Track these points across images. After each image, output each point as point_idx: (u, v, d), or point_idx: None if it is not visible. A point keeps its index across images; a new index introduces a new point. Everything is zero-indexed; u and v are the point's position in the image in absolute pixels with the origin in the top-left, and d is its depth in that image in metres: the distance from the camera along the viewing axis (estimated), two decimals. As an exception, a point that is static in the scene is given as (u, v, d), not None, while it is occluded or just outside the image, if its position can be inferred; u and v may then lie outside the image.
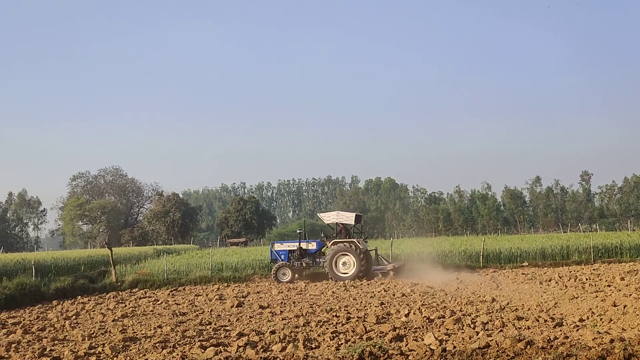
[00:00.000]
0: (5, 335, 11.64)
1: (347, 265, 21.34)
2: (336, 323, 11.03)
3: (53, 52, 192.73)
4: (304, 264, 21.99)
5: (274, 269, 21.39)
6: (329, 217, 22.84)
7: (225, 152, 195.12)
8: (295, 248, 22.18)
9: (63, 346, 10.11)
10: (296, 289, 18.52)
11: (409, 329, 9.94)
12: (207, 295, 17.72)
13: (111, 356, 8.98)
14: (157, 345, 9.64)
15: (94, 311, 15.18)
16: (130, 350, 9.43)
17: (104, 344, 9.88)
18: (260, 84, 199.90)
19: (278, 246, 22.69)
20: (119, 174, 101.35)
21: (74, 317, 14.15)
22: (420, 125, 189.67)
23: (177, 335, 10.57)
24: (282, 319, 11.91)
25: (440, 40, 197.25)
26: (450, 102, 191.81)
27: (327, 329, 10.39)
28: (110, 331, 11.54)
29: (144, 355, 8.97)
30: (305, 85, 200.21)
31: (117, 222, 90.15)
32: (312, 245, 22.43)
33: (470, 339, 8.80)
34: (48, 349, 9.78)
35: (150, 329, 11.50)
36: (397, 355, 7.78)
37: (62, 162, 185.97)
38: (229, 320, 12.32)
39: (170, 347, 9.51)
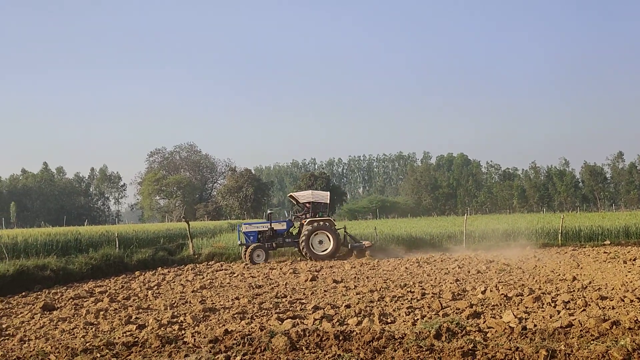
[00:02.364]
0: (93, 303, 12.24)
1: (323, 243, 21.32)
2: (411, 299, 10.96)
3: (144, 43, 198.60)
4: (274, 245, 21.75)
5: (249, 250, 20.51)
6: (304, 197, 22.75)
7: (296, 127, 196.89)
8: (266, 229, 21.76)
9: (147, 315, 10.53)
10: (368, 264, 18.53)
11: (486, 306, 9.75)
12: (280, 269, 18.02)
13: (192, 325, 9.28)
14: (235, 316, 9.89)
15: (173, 282, 15.72)
16: (210, 320, 9.71)
17: (185, 314, 10.22)
18: (330, 59, 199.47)
19: (247, 227, 21.89)
20: (193, 150, 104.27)
21: (155, 287, 14.70)
22: (494, 99, 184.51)
23: (254, 307, 10.80)
24: (357, 294, 11.95)
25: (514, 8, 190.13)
26: (524, 76, 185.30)
27: (402, 304, 10.35)
28: (190, 301, 11.91)
29: (223, 325, 9.21)
30: (374, 59, 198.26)
31: (192, 197, 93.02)
32: (282, 226, 22.21)
33: (550, 317, 8.55)
34: (133, 317, 10.20)
35: (228, 301, 11.80)
36: (474, 332, 7.65)
37: (140, 139, 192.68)
38: (304, 294, 12.47)
39: (248, 318, 9.73)
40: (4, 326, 9.84)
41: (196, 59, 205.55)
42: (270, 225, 21.79)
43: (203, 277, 16.54)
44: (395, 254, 21.45)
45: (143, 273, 18.28)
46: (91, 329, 9.38)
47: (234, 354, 7.15)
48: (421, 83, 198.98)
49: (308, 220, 21.57)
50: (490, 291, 11.21)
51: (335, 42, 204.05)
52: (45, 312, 11.42)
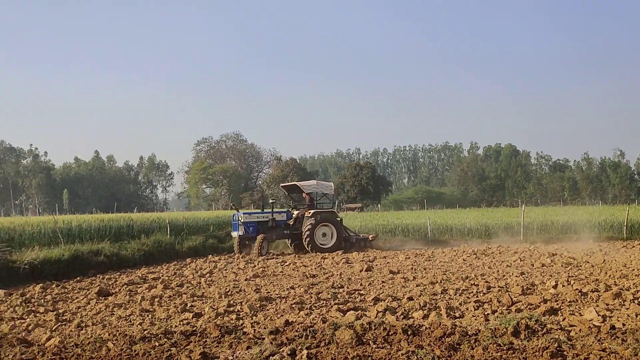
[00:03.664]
0: (147, 290, 12.09)
1: (327, 236, 20.52)
2: (476, 292, 10.39)
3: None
4: (273, 236, 20.59)
5: (259, 241, 19.15)
6: (309, 187, 21.77)
7: (340, 117, 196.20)
8: (267, 219, 20.58)
9: (202, 303, 10.27)
10: (423, 255, 17.97)
11: (562, 302, 9.10)
12: (332, 258, 17.64)
13: (250, 315, 8.95)
14: (293, 306, 9.52)
15: (225, 270, 15.52)
16: (268, 309, 9.37)
17: (241, 303, 9.92)
18: (378, 42, 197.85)
19: (247, 217, 20.50)
20: (239, 139, 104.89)
21: (207, 275, 14.51)
22: (545, 88, 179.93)
23: (311, 297, 10.42)
24: (417, 286, 11.44)
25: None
26: (576, 64, 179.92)
27: (468, 298, 9.80)
28: (244, 290, 11.62)
29: (282, 315, 8.86)
30: (421, 48, 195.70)
31: (237, 186, 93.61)
32: (282, 217, 21.10)
33: (637, 316, 7.87)
34: (189, 305, 9.96)
35: (283, 290, 11.46)
36: (556, 330, 7.07)
37: (187, 128, 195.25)
38: (361, 284, 12.03)
39: (306, 308, 9.35)
40: (60, 311, 9.73)
41: (245, 46, 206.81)
42: (272, 215, 20.76)
43: (255, 266, 16.30)
44: (451, 245, 20.78)
45: (194, 260, 18.20)
46: (147, 316, 9.16)
47: (298, 347, 6.76)
48: (469, 72, 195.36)
49: (313, 211, 20.59)
50: (563, 286, 10.54)
51: (378, 29, 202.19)
52: (101, 297, 11.32)
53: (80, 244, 16.66)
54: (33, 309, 10.05)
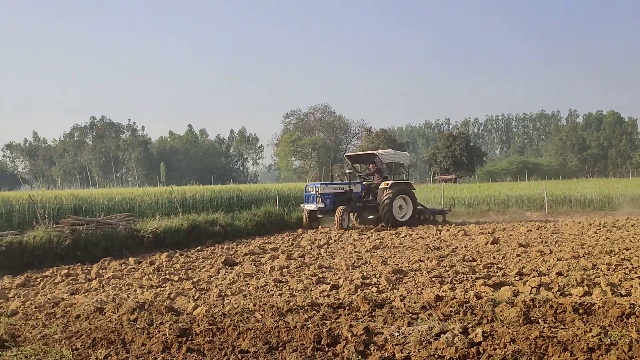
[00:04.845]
0: (270, 260, 11.97)
1: (403, 209, 19.34)
2: (632, 268, 9.47)
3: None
4: (349, 209, 19.07)
5: (339, 213, 18.00)
6: (387, 156, 20.35)
7: (428, 85, 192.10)
8: (344, 191, 19.38)
9: (333, 274, 9.98)
10: (545, 227, 16.94)
11: None
12: (447, 230, 16.98)
13: (390, 288, 8.54)
14: (433, 279, 9.01)
15: (340, 241, 15.24)
16: (406, 283, 8.92)
17: (375, 275, 9.54)
18: (466, 6, 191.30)
19: (323, 188, 19.17)
20: (327, 111, 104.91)
21: (325, 245, 14.26)
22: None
23: (446, 270, 9.87)
24: (558, 260, 10.61)
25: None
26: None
27: (626, 274, 8.92)
28: (370, 262, 11.25)
29: (422, 289, 8.40)
30: (514, 11, 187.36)
31: (326, 158, 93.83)
32: (357, 188, 19.81)
33: None
34: (320, 276, 9.68)
35: (412, 262, 10.98)
36: None
37: (276, 100, 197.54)
38: (494, 258, 11.35)
39: (447, 282, 8.82)
40: (194, 280, 9.71)
41: (333, 23, 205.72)
42: (350, 186, 19.59)
43: (368, 237, 15.92)
44: (571, 217, 19.55)
45: (305, 231, 18.02)
46: (282, 286, 8.94)
47: (457, 323, 6.26)
48: (563, 36, 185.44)
49: (391, 182, 19.41)
50: None
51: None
52: (227, 266, 11.29)
53: (196, 214, 16.90)
54: (167, 277, 10.10)
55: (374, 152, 21.33)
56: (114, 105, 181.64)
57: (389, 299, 7.69)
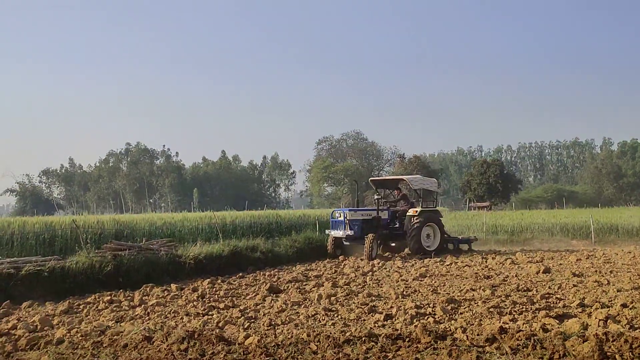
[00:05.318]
0: (316, 287, 11.65)
1: (430, 237, 18.53)
2: None
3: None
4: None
5: (370, 241, 16.95)
6: (416, 182, 19.43)
7: (461, 113, 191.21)
8: (372, 217, 18.33)
9: (384, 303, 9.60)
10: (596, 256, 16.29)
11: None
12: (493, 258, 16.45)
13: (447, 318, 8.15)
14: (491, 310, 8.58)
15: (385, 268, 14.86)
16: (462, 313, 8.50)
17: (429, 305, 9.14)
18: (502, 40, 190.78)
19: (351, 214, 18.05)
20: (359, 137, 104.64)
21: (369, 273, 13.90)
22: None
23: (502, 301, 9.41)
24: (618, 291, 10.05)
25: None
26: None
27: (699, 307, 8.37)
28: (419, 291, 10.85)
29: (480, 319, 7.98)
30: (547, 41, 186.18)
31: (353, 183, 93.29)
32: (384, 215, 18.74)
33: None
34: (371, 305, 9.31)
35: (462, 292, 10.54)
36: None
37: (309, 127, 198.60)
38: (549, 287, 10.84)
39: (507, 313, 8.38)
40: (241, 307, 9.44)
41: (362, 51, 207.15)
42: (377, 213, 18.50)
43: (413, 265, 15.51)
44: (619, 245, 18.82)
45: (347, 258, 17.62)
46: (334, 315, 8.62)
47: (529, 358, 5.86)
48: (600, 65, 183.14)
49: (420, 209, 18.49)
50: None
51: (500, 31, 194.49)
52: (272, 294, 11.00)
53: (237, 240, 16.70)
54: (213, 304, 9.85)
55: (403, 177, 20.70)
56: (149, 131, 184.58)
57: (449, 330, 7.30)
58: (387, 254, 19.21)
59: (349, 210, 18.40)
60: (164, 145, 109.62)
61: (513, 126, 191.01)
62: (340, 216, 18.18)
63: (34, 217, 18.50)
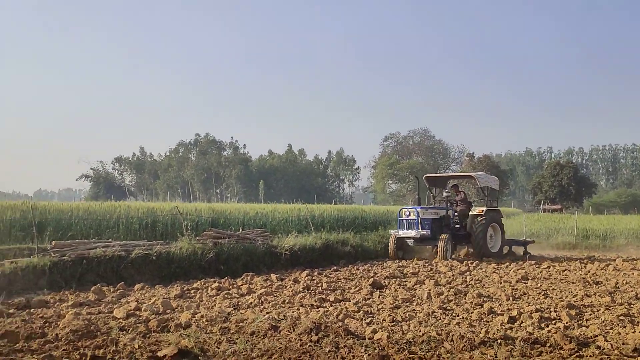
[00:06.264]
0: (417, 285, 11.45)
1: (493, 238, 17.47)
2: None
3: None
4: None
5: (444, 241, 16.13)
6: (483, 180, 18.28)
7: (530, 113, 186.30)
8: (441, 216, 17.28)
9: (499, 304, 9.32)
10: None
11: None
12: (592, 263, 15.82)
13: (576, 324, 7.81)
14: (621, 318, 8.17)
15: (480, 268, 14.53)
16: (588, 320, 8.13)
17: (550, 309, 8.80)
18: (570, 39, 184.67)
19: (423, 212, 16.82)
20: (427, 135, 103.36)
21: (467, 272, 13.65)
22: None
23: (626, 309, 8.94)
24: None
25: None
26: None
27: None
28: (528, 293, 10.52)
29: (610, 327, 7.61)
30: (621, 39, 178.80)
31: (424, 183, 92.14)
32: (450, 214, 17.65)
33: None
34: (485, 306, 9.02)
35: (577, 297, 10.10)
36: None
37: (375, 122, 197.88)
38: (671, 297, 10.28)
39: (639, 322, 7.97)
40: (353, 301, 9.35)
41: (431, 50, 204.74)
42: (447, 212, 17.56)
43: (507, 266, 15.14)
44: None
45: (435, 256, 17.26)
46: (452, 314, 8.43)
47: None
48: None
49: (485, 209, 17.58)
50: None
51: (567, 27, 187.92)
52: (375, 289, 10.88)
53: (327, 233, 16.70)
54: (322, 297, 9.80)
55: (470, 173, 19.81)
56: (218, 123, 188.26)
57: (589, 337, 6.98)
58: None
59: (421, 208, 17.22)
60: (232, 137, 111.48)
61: (585, 128, 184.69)
62: (411, 215, 16.89)
63: (116, 202, 19.09)
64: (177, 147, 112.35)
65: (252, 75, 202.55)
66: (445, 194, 17.93)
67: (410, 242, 17.02)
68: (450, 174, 19.99)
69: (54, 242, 11.52)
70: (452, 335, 6.84)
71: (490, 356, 6.13)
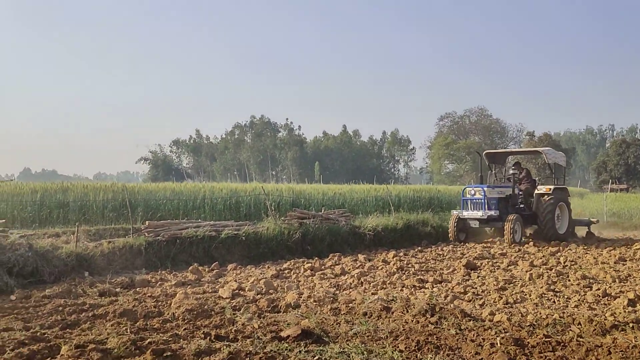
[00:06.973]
0: (511, 266, 11.15)
1: (559, 218, 16.33)
2: None
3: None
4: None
5: (511, 222, 14.75)
6: (551, 156, 17.00)
7: (591, 90, 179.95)
8: (506, 195, 16.04)
9: (608, 286, 8.93)
10: None
11: None
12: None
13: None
14: None
15: (569, 249, 14.05)
16: None
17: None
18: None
19: (489, 191, 15.55)
20: (484, 114, 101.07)
21: (557, 253, 13.21)
22: None
23: None
24: None
25: None
26: None
27: None
28: (633, 275, 10.08)
29: None
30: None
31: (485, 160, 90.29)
32: (516, 192, 16.33)
33: None
34: (594, 287, 8.66)
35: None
36: None
37: (431, 103, 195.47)
38: None
39: None
40: (454, 283, 9.14)
41: (488, 30, 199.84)
42: (514, 190, 16.25)
43: (596, 246, 14.59)
44: None
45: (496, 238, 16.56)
46: (563, 297, 8.12)
47: None
48: None
49: (553, 187, 16.44)
50: None
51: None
52: (469, 270, 10.65)
53: (406, 214, 16.49)
54: (421, 277, 9.62)
55: (538, 149, 18.50)
56: (273, 104, 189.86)
57: None
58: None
59: (487, 187, 15.83)
60: (286, 119, 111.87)
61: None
62: (477, 194, 15.68)
63: (202, 183, 19.28)
64: (233, 130, 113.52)
65: (307, 57, 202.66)
66: (511, 171, 16.72)
67: (473, 224, 15.71)
68: (515, 150, 18.84)
69: (147, 222, 11.71)
70: (578, 318, 6.56)
71: (628, 340, 5.83)
